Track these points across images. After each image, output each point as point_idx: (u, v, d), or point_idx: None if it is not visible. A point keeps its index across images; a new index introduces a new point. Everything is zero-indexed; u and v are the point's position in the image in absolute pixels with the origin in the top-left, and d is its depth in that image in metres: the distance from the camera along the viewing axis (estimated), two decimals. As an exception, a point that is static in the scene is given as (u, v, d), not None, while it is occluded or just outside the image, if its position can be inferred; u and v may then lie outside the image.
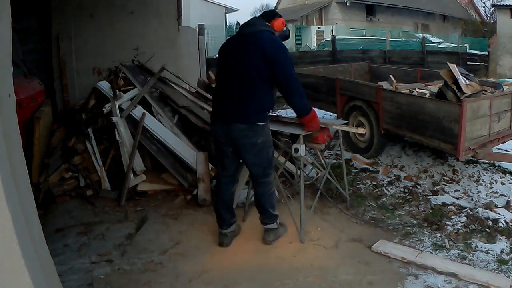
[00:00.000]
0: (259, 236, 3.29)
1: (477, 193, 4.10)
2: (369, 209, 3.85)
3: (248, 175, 3.50)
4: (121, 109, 4.40)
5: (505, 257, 2.96)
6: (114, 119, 4.22)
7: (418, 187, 4.30)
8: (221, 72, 3.03)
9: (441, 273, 2.75)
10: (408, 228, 3.44)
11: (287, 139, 4.67)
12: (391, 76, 5.77)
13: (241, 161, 3.08)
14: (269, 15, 3.02)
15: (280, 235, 3.21)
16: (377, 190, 4.27)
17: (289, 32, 3.16)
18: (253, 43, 2.81)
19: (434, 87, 4.93)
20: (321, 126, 3.17)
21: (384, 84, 5.21)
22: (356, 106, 5.23)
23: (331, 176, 3.72)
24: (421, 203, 3.93)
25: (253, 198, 3.66)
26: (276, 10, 30.06)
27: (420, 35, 19.68)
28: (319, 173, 4.21)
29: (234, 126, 2.84)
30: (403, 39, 18.69)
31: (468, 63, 14.96)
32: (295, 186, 3.96)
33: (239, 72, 2.83)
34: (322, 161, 3.93)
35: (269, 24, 2.94)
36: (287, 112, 7.82)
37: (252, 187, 3.21)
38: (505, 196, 4.03)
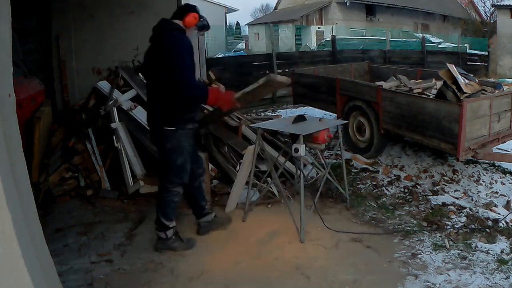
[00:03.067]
0: (259, 236, 3.29)
1: (477, 193, 4.10)
2: (369, 209, 3.85)
3: (248, 175, 3.50)
4: (121, 110, 4.40)
5: (505, 257, 2.96)
6: (113, 125, 4.22)
7: (418, 187, 4.30)
8: (145, 79, 3.21)
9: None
10: (408, 228, 3.44)
11: (287, 139, 4.67)
12: (398, 76, 5.75)
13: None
14: (179, 12, 2.86)
15: (172, 248, 3.05)
16: (377, 190, 4.27)
17: (207, 22, 2.95)
18: (155, 47, 2.81)
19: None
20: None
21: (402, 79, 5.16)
22: (356, 106, 5.23)
23: (331, 176, 3.73)
24: (421, 203, 3.93)
25: (253, 198, 3.68)
26: (276, 11, 29.74)
27: (420, 35, 19.67)
28: (319, 173, 4.21)
29: (151, 128, 2.99)
30: (403, 39, 18.68)
31: (468, 63, 14.95)
32: (295, 186, 3.96)
33: (149, 78, 2.95)
34: (322, 161, 3.93)
35: (180, 21, 2.80)
36: (287, 112, 7.83)
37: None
38: (505, 196, 4.03)
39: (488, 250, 3.05)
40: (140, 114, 4.43)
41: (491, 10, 23.58)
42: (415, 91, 5.04)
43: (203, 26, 2.92)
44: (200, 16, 2.86)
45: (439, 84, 4.76)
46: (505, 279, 2.70)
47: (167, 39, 2.73)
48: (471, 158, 4.30)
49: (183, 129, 2.85)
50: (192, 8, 2.86)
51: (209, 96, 2.76)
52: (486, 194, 4.10)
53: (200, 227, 3.35)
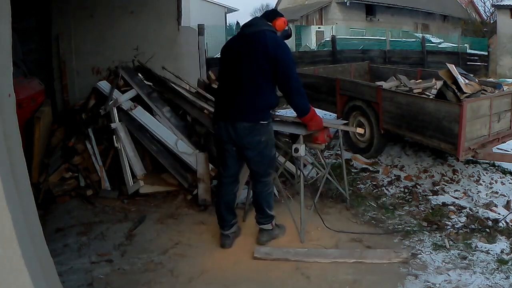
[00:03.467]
0: (259, 236, 3.29)
1: (477, 193, 4.10)
2: (369, 209, 3.85)
3: (248, 175, 3.50)
4: (121, 110, 4.40)
5: (505, 257, 2.96)
6: (113, 125, 4.22)
7: (418, 187, 4.30)
8: (224, 72, 3.02)
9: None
10: (408, 228, 3.44)
11: (287, 139, 4.67)
12: (398, 76, 5.74)
13: (243, 160, 3.08)
14: (271, 14, 3.02)
15: (275, 236, 3.21)
16: (377, 190, 4.27)
17: (291, 31, 3.18)
18: (256, 42, 2.83)
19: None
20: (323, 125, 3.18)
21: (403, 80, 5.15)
22: (356, 106, 5.23)
23: (331, 176, 3.72)
24: (421, 203, 3.93)
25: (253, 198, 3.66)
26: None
27: (420, 35, 19.67)
28: (319, 173, 4.21)
29: (238, 125, 2.85)
30: (403, 39, 18.69)
31: (468, 63, 14.96)
32: (295, 186, 3.96)
33: (242, 71, 2.84)
34: (322, 161, 3.93)
35: (270, 23, 2.94)
36: (287, 112, 7.82)
37: (251, 185, 3.22)
38: (505, 196, 4.03)
39: (488, 250, 3.05)
40: (140, 114, 4.44)
41: (491, 10, 23.60)
42: (415, 91, 5.04)
43: (287, 35, 3.10)
44: (287, 24, 3.06)
45: (439, 84, 4.76)
46: (505, 279, 2.70)
47: (269, 38, 2.82)
48: (471, 158, 4.30)
49: (270, 122, 3.00)
50: (281, 14, 3.06)
51: (311, 110, 3.04)
52: (486, 194, 4.10)
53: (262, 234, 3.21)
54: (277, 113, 7.16)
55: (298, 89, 2.94)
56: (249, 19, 3.05)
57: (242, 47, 2.89)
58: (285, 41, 3.04)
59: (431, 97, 4.65)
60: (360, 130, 4.07)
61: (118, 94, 4.55)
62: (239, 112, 2.86)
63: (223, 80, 3.06)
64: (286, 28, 3.04)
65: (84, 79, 5.92)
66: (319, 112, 6.43)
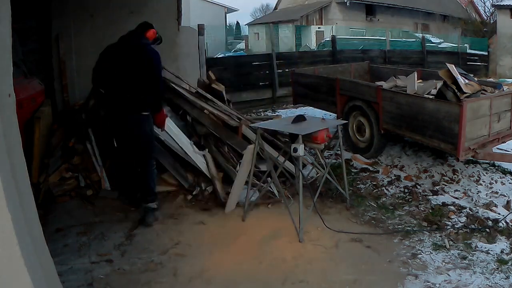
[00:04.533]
0: (259, 236, 3.29)
1: (477, 193, 4.10)
2: (369, 209, 3.85)
3: (247, 175, 3.50)
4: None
5: (505, 257, 2.96)
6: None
7: (418, 187, 4.30)
8: (109, 76, 3.53)
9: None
10: (408, 228, 3.44)
11: (287, 139, 4.67)
12: (397, 76, 5.74)
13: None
14: (143, 27, 3.63)
15: (157, 217, 3.56)
16: (377, 190, 4.27)
17: (161, 37, 3.79)
18: (138, 54, 3.45)
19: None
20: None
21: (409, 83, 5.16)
22: (356, 106, 5.23)
23: (331, 176, 3.72)
24: (421, 203, 3.93)
25: (253, 197, 3.68)
26: (276, 11, 29.77)
27: (420, 35, 19.66)
28: (319, 173, 4.21)
29: (122, 117, 3.49)
30: (403, 39, 18.68)
31: (468, 63, 14.94)
32: (295, 186, 3.95)
33: (127, 76, 3.42)
34: (322, 161, 3.93)
35: (144, 34, 3.58)
36: (287, 112, 7.83)
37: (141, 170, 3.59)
38: (505, 196, 4.03)
39: (488, 250, 3.05)
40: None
41: (491, 10, 23.58)
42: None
43: (158, 40, 3.75)
44: (157, 32, 3.69)
45: (439, 84, 4.77)
46: (505, 279, 2.71)
47: (147, 52, 3.47)
48: (471, 158, 4.31)
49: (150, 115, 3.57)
50: (151, 25, 3.67)
51: (162, 110, 3.68)
52: (486, 194, 4.10)
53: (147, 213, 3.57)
54: (277, 113, 7.13)
55: (161, 90, 3.65)
56: (128, 32, 3.68)
57: (124, 56, 3.49)
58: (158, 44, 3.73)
59: (431, 97, 4.65)
60: None
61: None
62: (122, 106, 3.47)
63: (109, 83, 3.55)
64: (156, 36, 3.67)
65: (84, 79, 5.88)
66: (319, 112, 6.49)
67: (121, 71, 3.47)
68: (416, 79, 5.08)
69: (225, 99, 5.23)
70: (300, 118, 3.57)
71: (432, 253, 3.05)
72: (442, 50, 16.60)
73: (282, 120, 4.13)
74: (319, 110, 6.31)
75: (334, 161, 4.65)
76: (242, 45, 24.96)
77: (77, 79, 6.10)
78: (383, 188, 4.31)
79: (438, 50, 16.33)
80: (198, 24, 8.22)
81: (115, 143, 4.14)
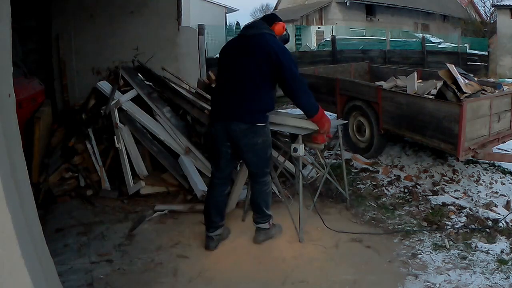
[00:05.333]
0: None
1: (477, 193, 4.10)
2: (369, 209, 3.85)
3: (247, 175, 3.50)
4: (122, 110, 4.40)
5: (505, 257, 2.96)
6: (120, 125, 4.23)
7: (418, 187, 4.30)
8: (223, 72, 3.03)
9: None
10: (408, 228, 3.44)
11: (286, 139, 4.67)
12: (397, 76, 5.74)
13: (237, 161, 3.09)
14: (270, 18, 3.06)
15: (271, 236, 3.21)
16: (377, 190, 4.27)
17: (289, 36, 3.20)
18: (257, 44, 2.84)
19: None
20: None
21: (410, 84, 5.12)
22: (356, 106, 5.23)
23: (331, 176, 3.72)
24: (421, 203, 3.93)
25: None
26: (276, 11, 29.81)
27: (420, 35, 19.67)
28: (319, 173, 4.21)
29: (235, 126, 2.84)
30: (403, 39, 18.68)
31: (468, 63, 14.95)
32: (295, 186, 3.95)
33: (242, 72, 2.85)
34: (322, 161, 3.93)
35: (270, 27, 2.97)
36: (287, 112, 7.82)
37: (250, 185, 3.23)
38: (505, 196, 4.03)
39: (488, 250, 3.05)
40: (141, 115, 4.45)
41: (491, 10, 23.59)
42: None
43: (286, 40, 3.11)
44: (286, 28, 3.09)
45: (439, 84, 4.77)
46: (505, 279, 2.71)
47: (270, 41, 2.85)
48: (471, 158, 4.30)
49: (267, 124, 2.98)
50: (280, 18, 3.10)
51: (320, 110, 3.00)
52: (486, 194, 4.10)
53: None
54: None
55: (304, 89, 2.92)
56: (251, 21, 3.10)
57: (242, 48, 2.90)
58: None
59: (431, 97, 4.65)
60: None
61: (118, 95, 4.55)
62: (236, 113, 2.85)
63: (222, 80, 3.05)
64: (285, 33, 3.07)
65: (84, 79, 5.92)
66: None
67: (237, 67, 2.89)
68: (416, 79, 5.08)
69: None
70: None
71: (432, 253, 3.05)
72: (442, 50, 16.61)
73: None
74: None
75: (334, 161, 4.65)
76: (242, 45, 24.90)
77: (77, 79, 6.11)
78: (383, 188, 4.31)
79: (438, 50, 16.35)
80: (198, 24, 8.22)
81: (115, 143, 4.15)
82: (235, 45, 3.01)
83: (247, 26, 3.05)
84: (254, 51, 2.82)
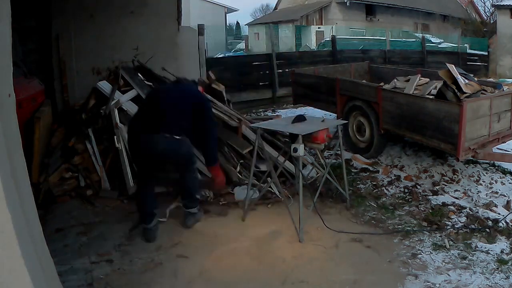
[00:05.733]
0: (259, 236, 3.29)
1: (477, 193, 4.10)
2: (369, 209, 3.85)
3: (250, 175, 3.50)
4: (122, 110, 4.40)
5: (505, 257, 2.96)
6: (120, 125, 4.22)
7: (418, 187, 4.30)
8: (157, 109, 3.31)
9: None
10: (408, 228, 3.44)
11: (287, 139, 4.67)
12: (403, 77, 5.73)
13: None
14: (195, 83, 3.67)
15: (198, 219, 3.53)
16: (377, 190, 4.27)
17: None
18: (188, 93, 3.39)
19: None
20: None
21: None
22: (356, 106, 5.23)
23: (331, 176, 3.72)
24: (421, 203, 3.93)
25: (253, 196, 3.68)
26: (276, 11, 29.71)
27: (420, 35, 19.66)
28: (319, 173, 4.21)
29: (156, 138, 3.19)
30: (403, 39, 18.67)
31: (468, 63, 14.93)
32: (295, 186, 3.95)
33: (172, 109, 3.25)
34: (322, 161, 3.93)
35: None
36: (287, 112, 7.82)
37: (180, 176, 3.43)
38: (505, 196, 4.03)
39: (488, 250, 3.05)
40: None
41: (491, 10, 23.58)
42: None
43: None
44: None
45: (438, 84, 4.77)
46: (505, 279, 2.71)
47: (198, 93, 3.54)
48: (471, 158, 4.30)
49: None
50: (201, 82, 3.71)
51: (218, 163, 3.46)
52: (486, 194, 4.10)
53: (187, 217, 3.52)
54: (277, 113, 7.15)
55: (215, 134, 3.44)
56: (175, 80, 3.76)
57: (176, 94, 3.37)
58: None
59: (431, 97, 4.65)
60: None
61: (118, 95, 4.55)
62: (163, 130, 3.19)
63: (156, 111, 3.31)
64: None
65: (84, 79, 5.91)
66: (319, 112, 6.48)
67: (170, 107, 3.36)
68: (416, 82, 5.07)
69: (225, 99, 5.23)
70: (300, 118, 3.57)
71: (432, 253, 3.05)
72: (442, 50, 16.60)
73: (282, 120, 4.13)
74: (319, 110, 6.31)
75: (334, 161, 4.64)
76: (242, 45, 24.96)
77: (77, 79, 6.10)
78: (383, 188, 4.31)
79: (438, 50, 16.33)
80: (198, 24, 8.22)
81: (115, 143, 4.15)
82: (170, 92, 3.54)
83: (178, 82, 3.64)
84: (187, 97, 3.37)
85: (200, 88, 3.75)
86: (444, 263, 2.91)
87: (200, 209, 3.60)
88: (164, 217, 3.60)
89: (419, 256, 3.01)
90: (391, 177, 4.57)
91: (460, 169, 4.61)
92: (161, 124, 3.19)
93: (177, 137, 3.22)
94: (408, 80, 5.29)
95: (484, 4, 25.72)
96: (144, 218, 3.34)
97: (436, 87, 4.68)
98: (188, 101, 3.33)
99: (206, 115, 3.34)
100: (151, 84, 4.87)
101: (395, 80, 5.59)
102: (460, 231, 3.35)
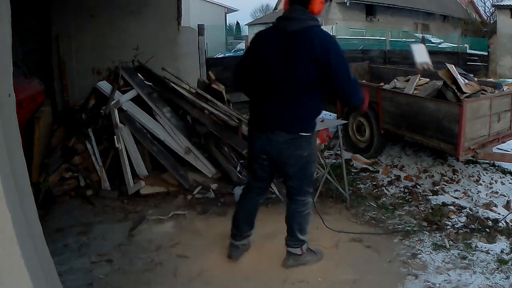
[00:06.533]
0: (259, 236, 3.29)
1: (477, 193, 4.10)
2: (369, 209, 3.85)
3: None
4: (122, 110, 4.41)
5: (505, 257, 2.96)
6: (120, 125, 4.23)
7: (418, 187, 4.30)
8: (260, 74, 2.56)
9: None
10: (408, 228, 3.44)
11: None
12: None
13: (276, 173, 2.83)
14: None
15: (303, 263, 2.85)
16: (377, 190, 4.27)
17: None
18: (302, 44, 2.41)
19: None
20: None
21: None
22: (356, 106, 5.22)
23: (331, 176, 3.72)
24: (421, 203, 3.93)
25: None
26: (276, 11, 29.60)
27: (420, 35, 19.66)
28: (319, 173, 4.21)
29: (277, 136, 2.51)
30: (403, 39, 18.66)
31: (468, 63, 14.94)
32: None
33: (285, 77, 2.45)
34: (322, 161, 3.93)
35: (308, 11, 2.47)
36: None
37: (287, 203, 2.89)
38: (505, 196, 4.03)
39: (488, 250, 3.05)
40: (141, 115, 4.45)
41: (491, 10, 23.59)
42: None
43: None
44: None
45: (431, 83, 4.79)
46: (505, 279, 2.71)
47: (316, 40, 2.39)
48: (471, 158, 4.31)
49: (313, 134, 2.64)
50: None
51: (364, 101, 2.65)
52: (486, 194, 4.10)
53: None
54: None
55: (356, 89, 2.54)
56: (289, 10, 2.54)
57: (285, 47, 2.45)
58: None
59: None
60: None
61: (118, 95, 4.55)
62: (278, 121, 2.50)
63: (260, 83, 2.58)
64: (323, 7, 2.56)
65: (84, 79, 5.92)
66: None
67: (277, 68, 2.48)
68: (416, 82, 5.07)
69: (225, 99, 5.23)
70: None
71: (432, 253, 3.05)
72: (442, 50, 16.59)
73: None
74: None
75: (334, 161, 4.64)
76: (242, 45, 24.91)
77: (77, 79, 6.11)
78: (383, 188, 4.31)
79: (438, 50, 16.32)
80: (198, 24, 8.21)
81: (115, 143, 4.14)
82: (275, 43, 2.50)
83: (287, 18, 2.52)
84: (299, 54, 2.42)
85: (318, 6, 2.50)
86: (444, 263, 2.91)
87: (313, 251, 2.91)
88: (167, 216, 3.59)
89: (419, 256, 3.01)
90: (391, 177, 4.57)
91: (460, 169, 4.61)
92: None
93: (291, 134, 2.50)
94: (408, 80, 5.29)
95: (484, 4, 25.75)
96: (233, 231, 2.92)
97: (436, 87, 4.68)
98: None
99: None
100: (151, 84, 4.87)
101: (395, 80, 5.58)
102: (460, 231, 3.35)
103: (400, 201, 4.01)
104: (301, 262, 2.85)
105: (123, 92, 4.63)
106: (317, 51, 2.37)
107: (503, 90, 4.67)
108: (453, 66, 4.32)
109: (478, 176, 4.47)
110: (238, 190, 3.97)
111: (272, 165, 2.67)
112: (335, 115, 5.72)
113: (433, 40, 19.13)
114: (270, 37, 2.58)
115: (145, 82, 4.84)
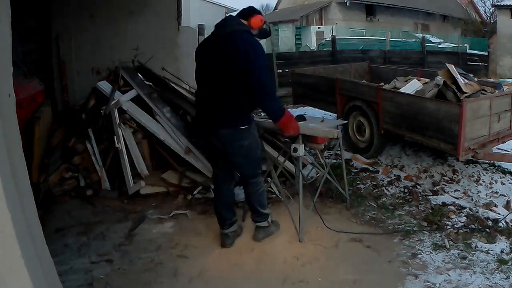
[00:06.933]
0: (259, 236, 3.29)
1: (477, 193, 4.10)
2: (369, 209, 3.85)
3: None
4: (122, 111, 4.41)
5: (505, 257, 2.96)
6: (120, 125, 4.24)
7: (418, 187, 4.30)
8: (199, 75, 2.95)
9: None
10: (408, 228, 3.44)
11: (286, 139, 4.67)
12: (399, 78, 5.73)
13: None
14: (246, 12, 2.88)
15: (270, 233, 3.24)
16: (377, 190, 4.27)
17: (270, 29, 3.08)
18: (227, 46, 2.71)
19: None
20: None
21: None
22: (356, 106, 5.23)
23: (331, 176, 3.72)
24: (421, 203, 3.93)
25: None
26: (276, 11, 29.67)
27: (420, 35, 19.67)
28: (319, 173, 4.21)
29: (220, 132, 2.85)
30: (403, 39, 18.68)
31: (468, 63, 14.96)
32: (295, 186, 3.95)
33: (216, 77, 2.77)
34: (322, 161, 3.93)
35: (245, 22, 2.82)
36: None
37: (243, 187, 3.22)
38: (505, 196, 4.03)
39: (488, 250, 3.05)
40: (141, 115, 4.45)
41: (491, 10, 23.60)
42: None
43: (266, 34, 2.99)
44: (265, 21, 2.90)
45: (431, 83, 4.77)
46: (505, 279, 2.71)
47: (239, 40, 2.70)
48: (471, 158, 4.30)
49: (252, 125, 2.94)
50: (258, 11, 2.92)
51: (284, 116, 2.88)
52: (486, 194, 4.10)
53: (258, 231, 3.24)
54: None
55: (271, 94, 2.85)
56: (222, 18, 2.97)
57: (214, 49, 2.79)
58: (265, 39, 3.00)
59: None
60: None
61: (118, 95, 4.56)
62: (217, 120, 2.83)
63: (200, 85, 2.96)
64: (264, 26, 2.89)
65: (84, 79, 5.91)
66: (319, 112, 6.48)
67: (209, 71, 2.83)
68: (416, 89, 5.05)
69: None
70: (300, 118, 3.57)
71: (432, 253, 3.05)
72: (442, 50, 16.62)
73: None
74: (319, 110, 6.31)
75: (334, 161, 4.64)
76: (242, 45, 24.89)
77: (77, 79, 6.11)
78: (383, 188, 4.31)
79: (438, 50, 16.35)
80: (198, 24, 8.22)
81: (115, 143, 4.15)
82: (208, 46, 2.89)
83: (219, 25, 2.86)
84: (224, 54, 2.71)
85: (255, 21, 2.84)
86: (444, 263, 2.91)
87: (274, 222, 3.29)
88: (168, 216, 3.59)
89: (419, 256, 3.01)
90: (391, 177, 4.57)
91: (460, 169, 4.61)
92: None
93: (231, 129, 2.83)
94: (408, 80, 5.29)
95: (484, 4, 25.77)
96: (219, 222, 3.17)
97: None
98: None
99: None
100: (151, 84, 4.87)
101: (395, 80, 5.58)
102: (460, 231, 3.35)
103: (400, 201, 4.01)
104: (269, 233, 3.23)
105: (123, 92, 4.63)
106: (240, 51, 2.66)
107: (503, 90, 4.66)
108: (453, 66, 4.32)
109: (478, 176, 4.47)
110: (238, 190, 3.98)
111: (226, 155, 2.97)
112: (335, 115, 5.72)
113: (433, 40, 19.15)
114: (206, 41, 2.97)
115: (145, 82, 4.85)
